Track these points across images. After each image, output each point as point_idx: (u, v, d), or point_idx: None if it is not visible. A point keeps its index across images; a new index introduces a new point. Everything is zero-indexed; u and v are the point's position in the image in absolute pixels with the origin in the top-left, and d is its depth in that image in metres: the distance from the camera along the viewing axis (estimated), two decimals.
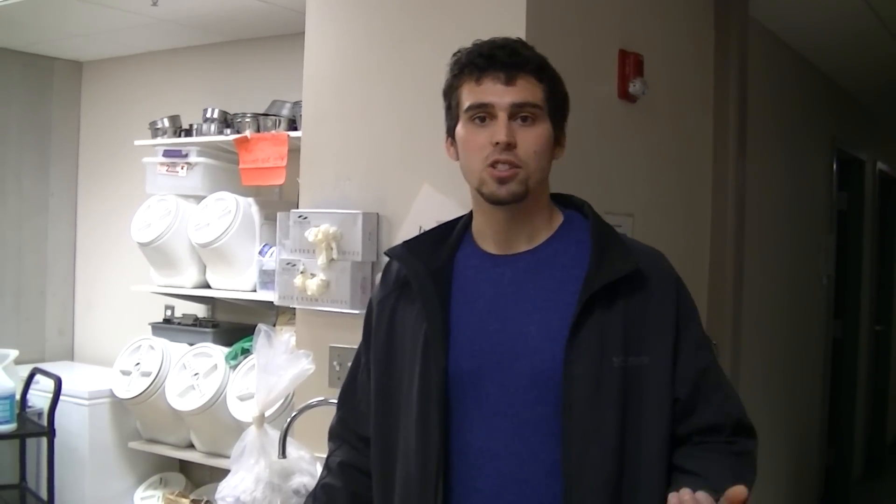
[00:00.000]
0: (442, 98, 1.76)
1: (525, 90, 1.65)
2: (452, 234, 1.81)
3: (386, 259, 1.87)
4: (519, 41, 1.72)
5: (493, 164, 1.63)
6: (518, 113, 1.64)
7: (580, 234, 1.72)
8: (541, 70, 1.69)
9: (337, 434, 1.95)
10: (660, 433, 1.63)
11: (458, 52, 1.73)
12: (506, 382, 1.64)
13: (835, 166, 5.70)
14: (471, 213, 1.81)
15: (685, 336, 1.68)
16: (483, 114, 1.65)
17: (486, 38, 1.73)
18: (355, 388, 1.90)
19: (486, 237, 1.75)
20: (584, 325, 1.61)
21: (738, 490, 1.39)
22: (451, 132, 1.75)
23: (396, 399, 1.75)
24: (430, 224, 1.87)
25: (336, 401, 1.99)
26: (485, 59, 1.66)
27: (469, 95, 1.67)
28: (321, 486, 1.93)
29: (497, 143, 1.62)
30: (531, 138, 1.65)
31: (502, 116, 1.63)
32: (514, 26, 1.78)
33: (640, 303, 1.65)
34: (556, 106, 1.71)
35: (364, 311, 1.92)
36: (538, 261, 1.71)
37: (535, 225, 1.73)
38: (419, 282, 1.73)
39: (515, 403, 1.64)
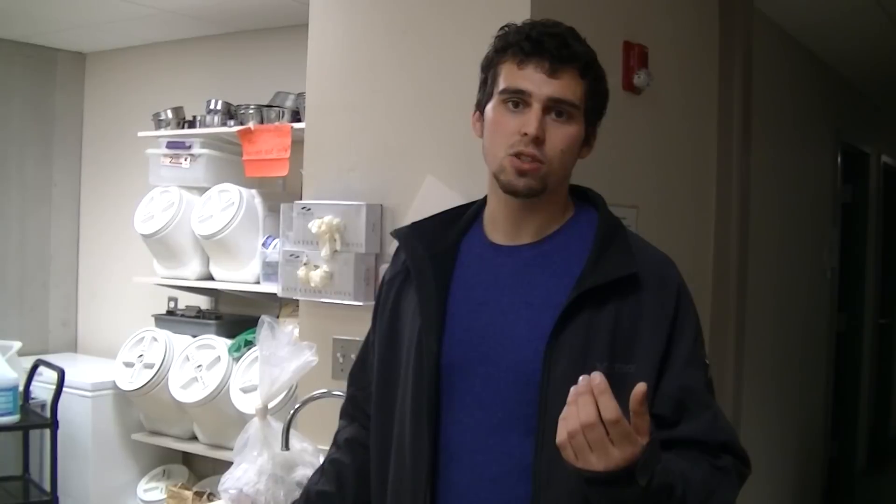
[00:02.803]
0: (479, 70, 1.71)
1: (566, 86, 1.60)
2: (462, 218, 1.79)
3: (394, 246, 1.85)
4: (570, 31, 1.65)
5: (517, 155, 1.59)
6: (554, 107, 1.59)
7: (587, 231, 1.68)
8: (587, 67, 1.64)
9: (347, 412, 1.95)
10: None
11: (506, 26, 1.68)
12: (491, 377, 1.62)
13: (839, 159, 5.69)
14: (485, 197, 1.77)
15: (676, 350, 1.60)
16: (518, 99, 1.60)
17: (489, 27, 1.70)
18: (365, 368, 1.89)
19: (497, 224, 1.72)
20: (569, 325, 1.57)
21: (640, 386, 1.34)
22: (480, 107, 1.71)
23: (395, 383, 1.74)
24: None
25: (339, 392, 1.99)
26: (532, 44, 1.60)
27: (508, 77, 1.62)
28: (329, 460, 1.93)
29: (525, 135, 1.58)
30: (561, 136, 1.60)
31: (537, 108, 1.58)
32: (518, 16, 1.76)
33: (634, 308, 1.59)
34: (593, 106, 1.67)
35: (367, 303, 1.91)
36: (540, 255, 1.68)
37: (546, 218, 1.69)
38: (416, 266, 1.71)
39: (498, 399, 1.61)
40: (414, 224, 1.81)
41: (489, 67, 1.68)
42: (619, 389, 1.37)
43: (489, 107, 1.66)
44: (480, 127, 1.70)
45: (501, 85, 1.63)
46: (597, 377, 1.35)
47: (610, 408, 1.34)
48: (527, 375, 1.58)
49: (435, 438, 1.64)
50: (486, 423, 1.61)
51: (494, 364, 1.62)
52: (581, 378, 1.37)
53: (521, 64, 1.61)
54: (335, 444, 1.94)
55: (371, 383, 1.83)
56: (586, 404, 1.35)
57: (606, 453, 1.35)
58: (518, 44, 1.62)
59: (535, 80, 1.59)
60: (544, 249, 1.68)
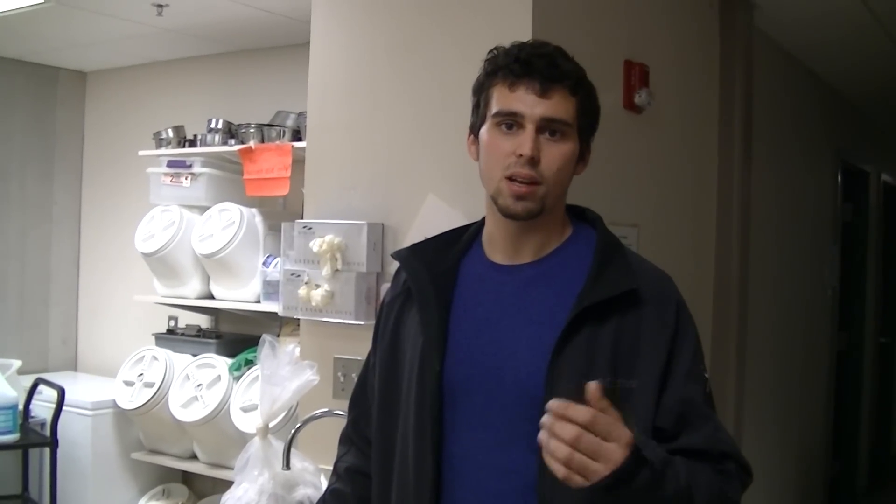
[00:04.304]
0: (471, 94, 1.72)
1: (558, 105, 1.60)
2: (462, 239, 1.79)
3: (395, 265, 1.85)
4: (558, 50, 1.66)
5: (512, 178, 1.60)
6: (547, 127, 1.60)
7: (586, 250, 1.69)
8: (577, 84, 1.64)
9: (348, 437, 1.95)
10: None
11: (495, 49, 1.69)
12: (494, 395, 1.62)
13: (839, 177, 5.70)
14: (483, 218, 1.78)
15: (676, 364, 1.61)
16: (511, 121, 1.61)
17: (490, 47, 1.70)
18: (365, 389, 1.89)
19: (495, 244, 1.73)
20: (571, 342, 1.57)
21: (591, 385, 1.35)
22: (474, 130, 1.71)
23: (396, 404, 1.74)
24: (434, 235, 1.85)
25: (340, 412, 1.98)
26: (521, 66, 1.61)
27: (500, 100, 1.63)
28: (330, 490, 1.93)
29: (521, 156, 1.58)
30: (556, 155, 1.61)
31: (530, 129, 1.59)
32: (519, 36, 1.76)
33: (634, 324, 1.60)
34: (586, 122, 1.67)
35: (368, 322, 1.90)
36: (540, 273, 1.68)
37: (544, 237, 1.70)
38: (418, 286, 1.72)
39: (501, 417, 1.61)
40: (414, 245, 1.82)
41: (480, 91, 1.69)
42: (623, 405, 1.38)
43: (483, 130, 1.67)
44: (476, 150, 1.71)
45: (494, 108, 1.64)
46: (551, 404, 1.35)
47: (579, 412, 1.34)
48: (530, 392, 1.57)
49: (438, 457, 1.64)
50: (490, 440, 1.62)
51: (497, 381, 1.62)
52: (543, 419, 1.35)
53: (513, 86, 1.62)
54: (335, 472, 1.94)
55: (372, 406, 1.83)
56: (561, 426, 1.34)
57: (606, 453, 1.35)
58: (508, 66, 1.63)
59: (526, 102, 1.60)
60: (544, 268, 1.69)
